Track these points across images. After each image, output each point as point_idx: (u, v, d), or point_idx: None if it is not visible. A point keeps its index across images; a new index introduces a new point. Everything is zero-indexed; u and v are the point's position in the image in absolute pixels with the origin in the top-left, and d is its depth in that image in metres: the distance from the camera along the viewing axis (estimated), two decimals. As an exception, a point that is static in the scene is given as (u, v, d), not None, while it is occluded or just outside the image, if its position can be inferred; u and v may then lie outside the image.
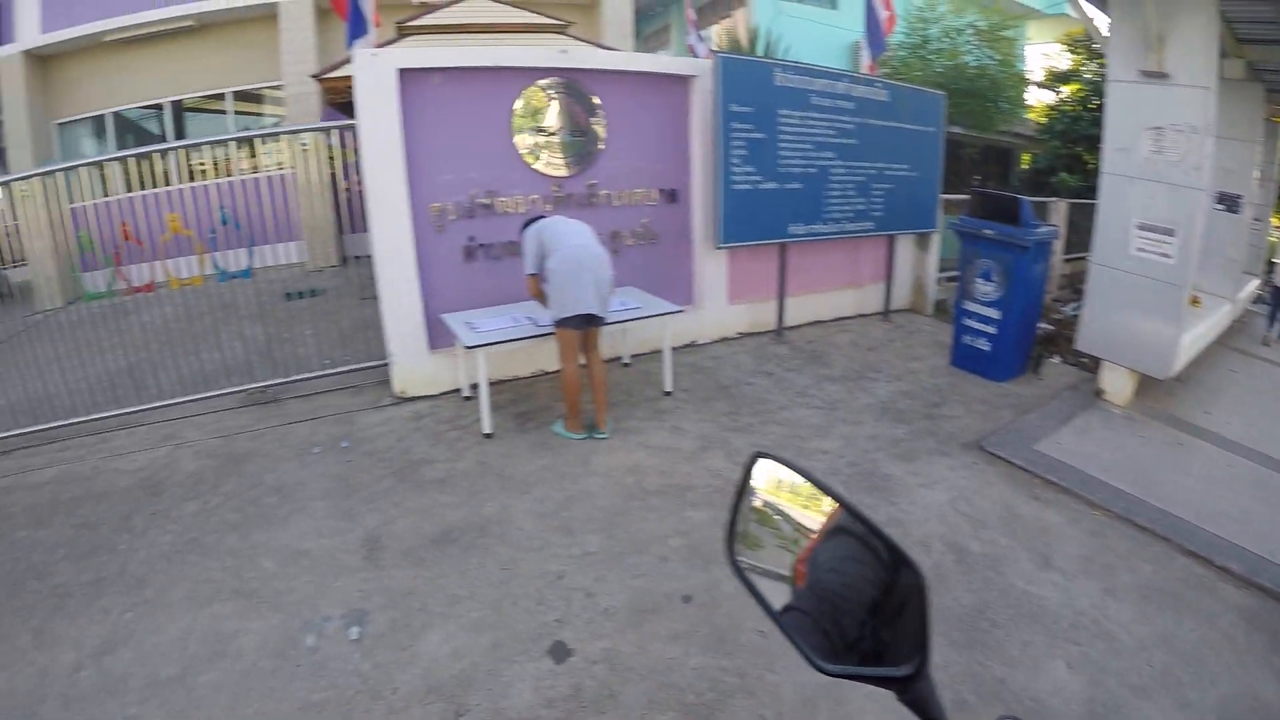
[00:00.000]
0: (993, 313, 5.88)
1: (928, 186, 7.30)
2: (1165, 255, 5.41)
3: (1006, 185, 14.84)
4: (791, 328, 6.85)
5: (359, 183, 5.21)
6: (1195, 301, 7.65)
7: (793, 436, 4.67)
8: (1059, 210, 9.33)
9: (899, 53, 13.13)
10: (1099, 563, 3.54)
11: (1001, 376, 5.91)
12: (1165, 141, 5.32)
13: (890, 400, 5.37)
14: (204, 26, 11.86)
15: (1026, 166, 16.02)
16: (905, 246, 7.56)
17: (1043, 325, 7.21)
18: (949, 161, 12.94)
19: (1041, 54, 16.53)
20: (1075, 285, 10.09)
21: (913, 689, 0.70)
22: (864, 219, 6.88)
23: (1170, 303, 5.37)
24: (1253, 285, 11.43)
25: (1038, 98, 15.19)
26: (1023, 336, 5.97)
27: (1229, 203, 9.31)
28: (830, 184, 6.63)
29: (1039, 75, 14.89)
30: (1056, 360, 6.62)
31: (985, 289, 5.91)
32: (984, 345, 5.93)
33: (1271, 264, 12.23)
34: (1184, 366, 6.01)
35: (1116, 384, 5.74)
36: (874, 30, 8.18)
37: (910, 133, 7.04)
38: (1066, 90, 13.81)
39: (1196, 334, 6.57)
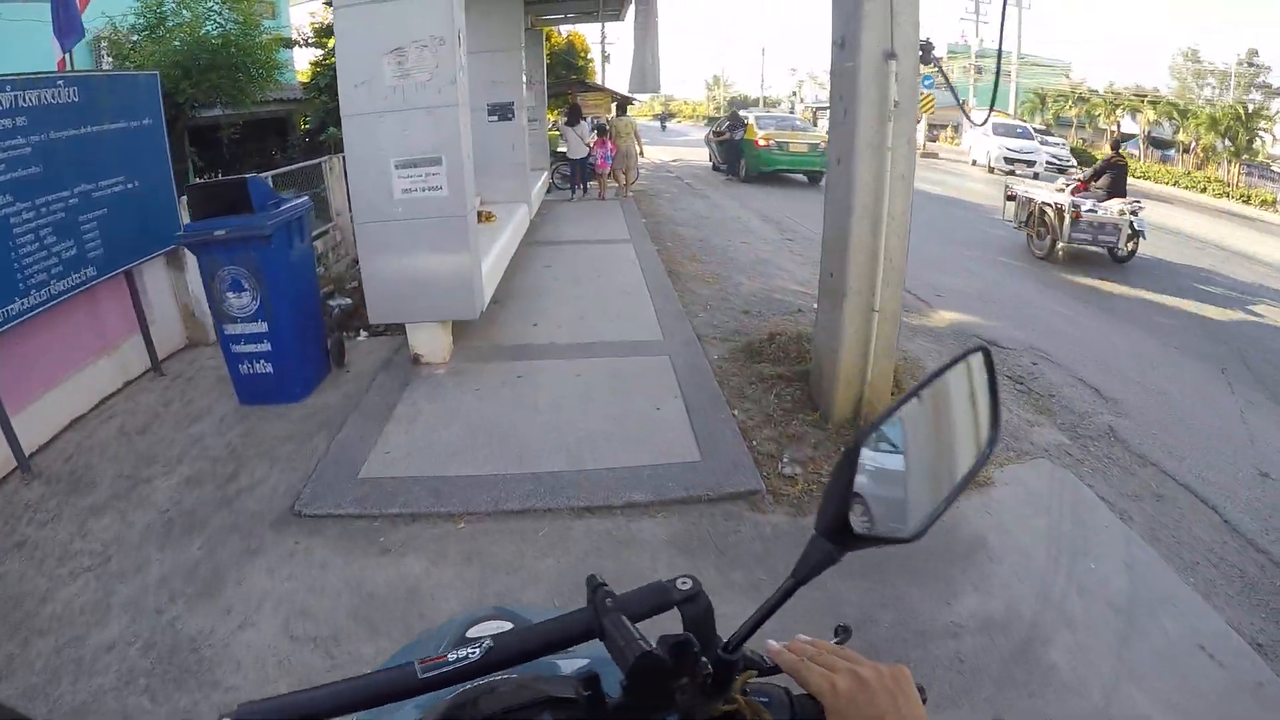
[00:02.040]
0: (259, 326, 4.65)
1: (158, 194, 5.46)
2: (436, 188, 4.81)
3: (287, 157, 13.67)
4: (43, 448, 4.53)
5: None
6: (488, 218, 7.73)
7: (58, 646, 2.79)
8: (334, 169, 8.50)
9: (132, 38, 10.53)
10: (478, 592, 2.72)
11: (300, 394, 4.83)
12: (410, 62, 4.66)
13: (188, 505, 3.77)
14: None
15: (303, 130, 15.10)
16: (155, 275, 5.71)
17: (338, 303, 6.33)
18: (209, 149, 10.84)
19: (308, 12, 15.50)
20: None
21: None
22: (81, 266, 4.73)
23: (456, 236, 4.88)
24: (544, 177, 12.94)
25: (308, 59, 14.19)
26: (308, 337, 4.97)
27: (502, 111, 9.70)
28: (14, 239, 4.28)
29: (306, 34, 13.84)
30: (363, 337, 5.81)
31: (241, 302, 4.61)
32: (265, 368, 4.71)
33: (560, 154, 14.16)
34: (494, 290, 5.78)
35: (430, 343, 5.23)
36: (64, 15, 5.77)
37: (117, 134, 5.02)
38: (331, 44, 12.97)
39: (498, 251, 6.46)
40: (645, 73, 11.73)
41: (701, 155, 22.63)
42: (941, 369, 0.83)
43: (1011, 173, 22.39)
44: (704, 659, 0.67)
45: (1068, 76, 36.45)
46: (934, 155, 29.14)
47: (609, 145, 13.73)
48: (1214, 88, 31.32)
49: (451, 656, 0.66)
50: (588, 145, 13.54)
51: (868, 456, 0.74)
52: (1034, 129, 25.61)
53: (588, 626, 0.69)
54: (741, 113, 20.85)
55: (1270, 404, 6.06)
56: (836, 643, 0.74)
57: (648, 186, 16.31)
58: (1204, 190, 24.17)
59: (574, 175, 14.05)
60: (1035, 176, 22.03)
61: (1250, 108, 25.47)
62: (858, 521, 0.71)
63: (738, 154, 18.04)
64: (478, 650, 0.67)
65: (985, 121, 9.15)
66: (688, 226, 11.10)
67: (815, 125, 24.50)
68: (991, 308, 7.89)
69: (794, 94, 64.18)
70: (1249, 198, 23.43)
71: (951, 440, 0.85)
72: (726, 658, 0.69)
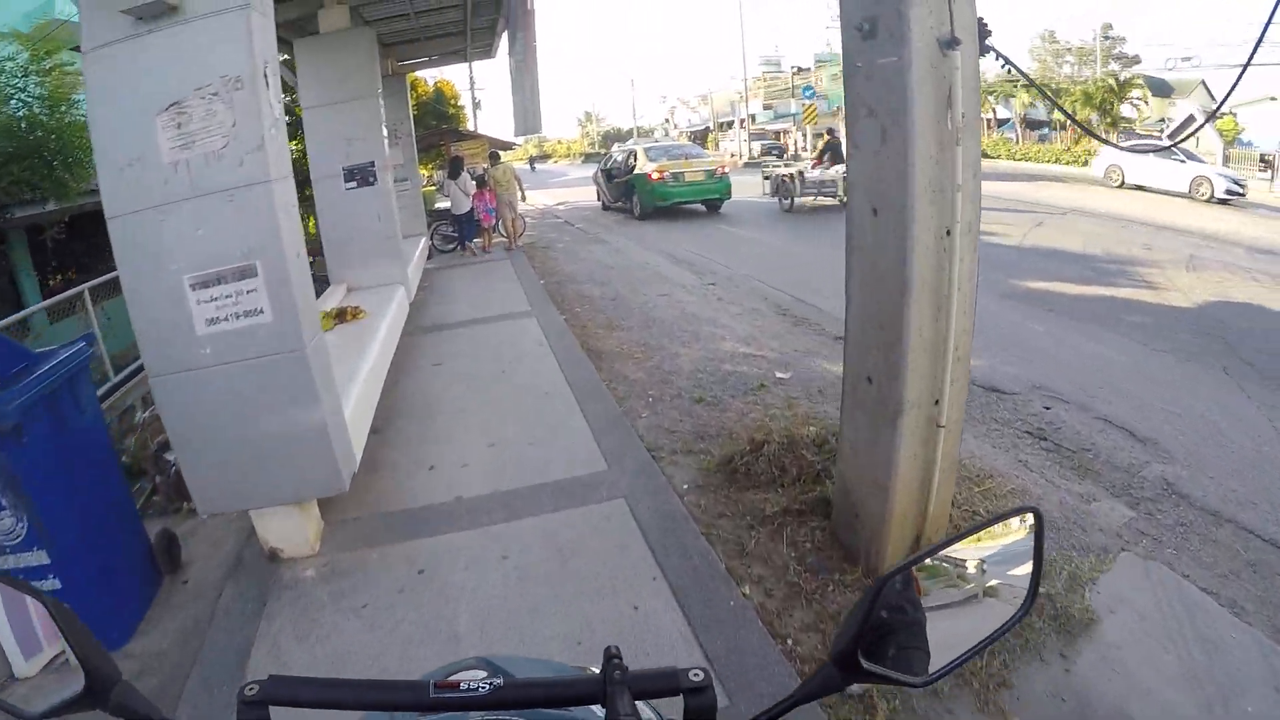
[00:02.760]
0: (36, 557, 2.95)
1: None
2: (255, 312, 3.22)
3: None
4: None
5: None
6: (355, 314, 6.12)
7: None
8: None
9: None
10: None
11: (118, 639, 3.15)
12: (195, 122, 3.12)
13: None
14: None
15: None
16: None
17: (173, 457, 4.58)
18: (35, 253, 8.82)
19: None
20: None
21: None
22: None
23: (296, 382, 3.34)
24: (422, 244, 11.38)
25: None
26: (116, 550, 3.31)
27: (361, 176, 7.90)
28: None
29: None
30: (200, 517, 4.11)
31: (4, 525, 2.87)
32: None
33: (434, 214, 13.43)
34: (368, 434, 4.23)
35: (287, 531, 3.67)
36: None
37: None
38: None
39: (370, 368, 4.89)
40: (527, 112, 10.39)
41: (588, 195, 21.42)
42: (988, 521, 0.83)
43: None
44: None
45: None
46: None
47: (489, 197, 12.96)
48: (1072, 64, 32.82)
49: (464, 685, 0.71)
50: (470, 198, 12.64)
51: (894, 594, 0.75)
52: None
53: (593, 692, 0.71)
54: (623, 146, 19.84)
55: (1288, 403, 5.49)
56: None
57: (537, 237, 14.99)
58: (1085, 164, 25.39)
59: (460, 233, 13.21)
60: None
61: (1122, 78, 26.87)
62: (870, 656, 0.72)
63: (630, 190, 16.89)
64: (488, 687, 0.71)
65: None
66: (593, 282, 9.77)
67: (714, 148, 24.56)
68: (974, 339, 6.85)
69: (667, 120, 64.36)
70: None
71: (984, 593, 0.83)
72: None
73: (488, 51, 13.32)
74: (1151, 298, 8.48)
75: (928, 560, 0.80)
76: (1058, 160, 27.00)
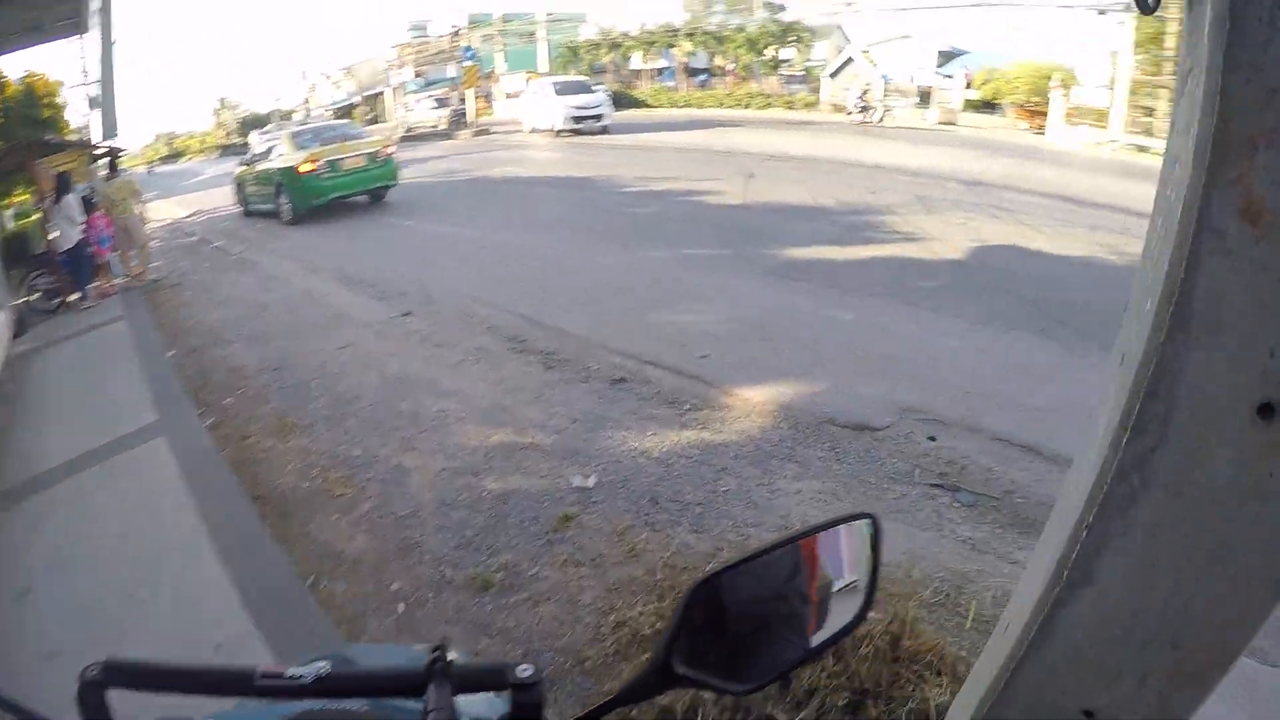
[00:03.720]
0: None
1: None
2: None
3: None
4: None
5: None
6: None
7: None
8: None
9: None
10: None
11: None
12: None
13: None
14: None
15: None
16: None
17: None
18: None
19: None
20: None
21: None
22: None
23: None
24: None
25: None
26: None
27: None
28: None
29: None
30: None
31: None
32: None
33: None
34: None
35: None
36: None
37: None
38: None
39: None
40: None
41: (227, 198, 16.72)
42: (822, 525, 0.81)
43: (579, 132, 21.04)
44: None
45: (580, 26, 36.79)
46: (486, 131, 26.77)
47: (103, 223, 9.93)
48: (721, 14, 34.17)
49: (288, 673, 0.72)
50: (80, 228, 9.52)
51: (716, 599, 0.74)
52: (592, 83, 24.49)
53: (413, 684, 0.71)
54: (265, 134, 15.69)
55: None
56: None
57: (164, 267, 11.10)
58: (748, 106, 26.67)
59: (74, 277, 9.70)
60: (604, 130, 21.13)
61: (785, 23, 28.33)
62: (686, 662, 0.72)
63: (278, 190, 13.33)
64: (310, 675, 0.71)
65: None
66: (245, 340, 6.74)
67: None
68: (788, 349, 5.31)
69: (306, 101, 57.06)
70: (792, 103, 26.50)
71: (815, 601, 0.81)
72: None
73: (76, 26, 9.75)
74: (919, 252, 7.84)
75: (753, 564, 0.76)
76: (721, 105, 27.91)
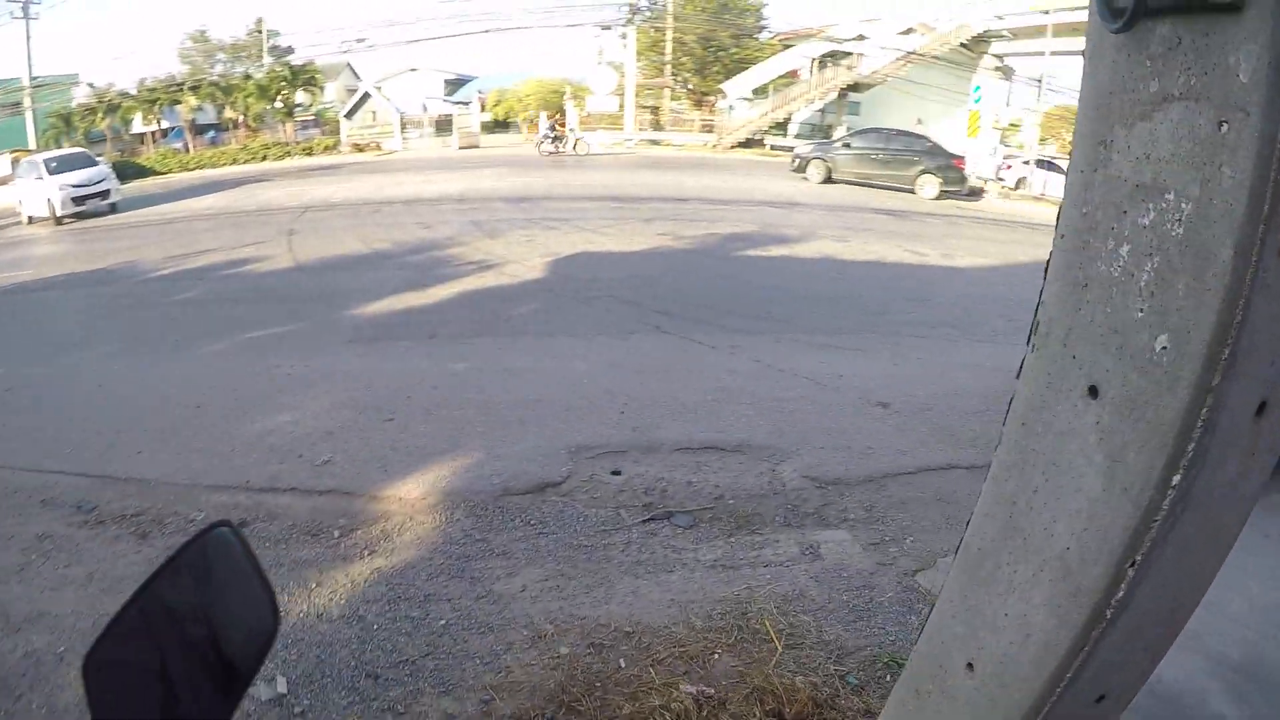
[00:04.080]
0: None
1: None
2: None
3: None
4: None
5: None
6: None
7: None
8: None
9: None
10: None
11: None
12: None
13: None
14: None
15: None
16: None
17: None
18: None
19: None
20: None
21: None
22: None
23: None
24: None
25: None
26: None
27: None
28: None
29: None
30: None
31: None
32: None
33: None
34: None
35: None
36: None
37: None
38: None
39: None
40: None
41: None
42: (171, 559, 0.74)
43: (83, 215, 17.18)
44: None
45: (74, 88, 29.93)
46: None
47: None
48: (225, 62, 30.47)
49: None
50: None
51: (115, 678, 0.70)
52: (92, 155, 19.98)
53: None
54: None
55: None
56: None
57: None
58: (264, 158, 24.50)
59: None
60: (113, 208, 17.52)
61: (296, 64, 25.90)
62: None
63: None
64: None
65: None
66: None
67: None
68: (418, 422, 4.60)
69: None
70: (311, 149, 24.85)
71: (213, 632, 0.76)
72: None
73: None
74: (500, 278, 7.63)
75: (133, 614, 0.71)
76: (236, 161, 25.21)
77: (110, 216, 17.19)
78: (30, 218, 18.60)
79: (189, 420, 4.94)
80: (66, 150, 20.94)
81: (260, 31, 31.73)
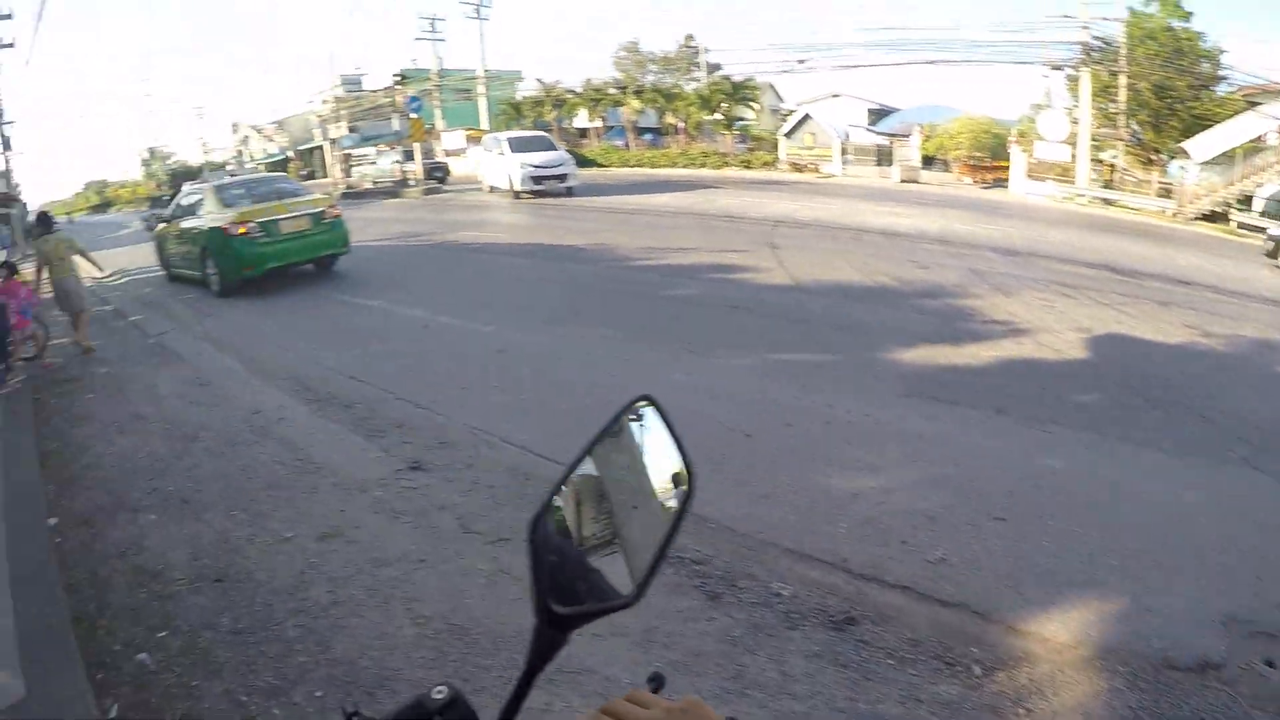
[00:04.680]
0: None
1: None
2: None
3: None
4: None
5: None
6: None
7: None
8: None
9: None
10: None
11: None
12: None
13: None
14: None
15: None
16: None
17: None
18: None
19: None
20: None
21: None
22: None
23: None
24: None
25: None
26: None
27: None
28: None
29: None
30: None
31: None
32: None
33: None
34: None
35: None
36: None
37: None
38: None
39: None
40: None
41: (149, 256, 14.06)
42: (607, 425, 0.81)
43: (540, 193, 19.22)
44: None
45: (519, 83, 35.36)
46: (436, 190, 24.74)
47: (23, 291, 8.31)
48: (655, 73, 33.48)
49: None
50: None
51: (554, 534, 0.74)
52: (552, 140, 22.65)
53: None
54: (193, 187, 13.01)
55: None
56: (651, 689, 0.73)
57: (62, 346, 8.64)
58: (703, 166, 25.95)
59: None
60: (569, 192, 19.46)
61: (736, 80, 27.43)
62: (568, 600, 0.71)
63: (203, 254, 10.97)
64: None
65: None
66: (163, 507, 4.42)
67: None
68: (1050, 528, 3.59)
69: (239, 152, 53.84)
70: (749, 162, 25.74)
71: (644, 493, 0.81)
72: None
73: None
74: (1037, 350, 6.38)
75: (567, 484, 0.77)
76: (674, 164, 27.08)
77: (565, 199, 18.89)
78: (491, 187, 21.56)
79: (739, 450, 4.47)
80: (529, 132, 23.63)
81: (690, 46, 33.84)
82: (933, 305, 7.74)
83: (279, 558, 3.80)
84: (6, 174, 27.14)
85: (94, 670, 3.12)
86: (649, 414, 0.82)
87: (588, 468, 0.78)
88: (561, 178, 19.41)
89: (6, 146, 26.34)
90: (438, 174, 27.51)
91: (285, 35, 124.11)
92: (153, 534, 4.08)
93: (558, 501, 0.75)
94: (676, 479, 0.80)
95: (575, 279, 9.65)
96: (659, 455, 0.80)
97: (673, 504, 0.78)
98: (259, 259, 10.30)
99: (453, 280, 10.43)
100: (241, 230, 10.20)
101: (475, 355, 6.75)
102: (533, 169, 19.07)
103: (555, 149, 20.79)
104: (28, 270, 9.12)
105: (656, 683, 0.75)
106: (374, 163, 28.76)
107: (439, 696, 0.70)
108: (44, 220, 9.35)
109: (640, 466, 0.80)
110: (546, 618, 0.69)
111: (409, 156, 26.30)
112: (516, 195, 19.42)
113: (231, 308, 9.76)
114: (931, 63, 27.10)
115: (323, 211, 11.11)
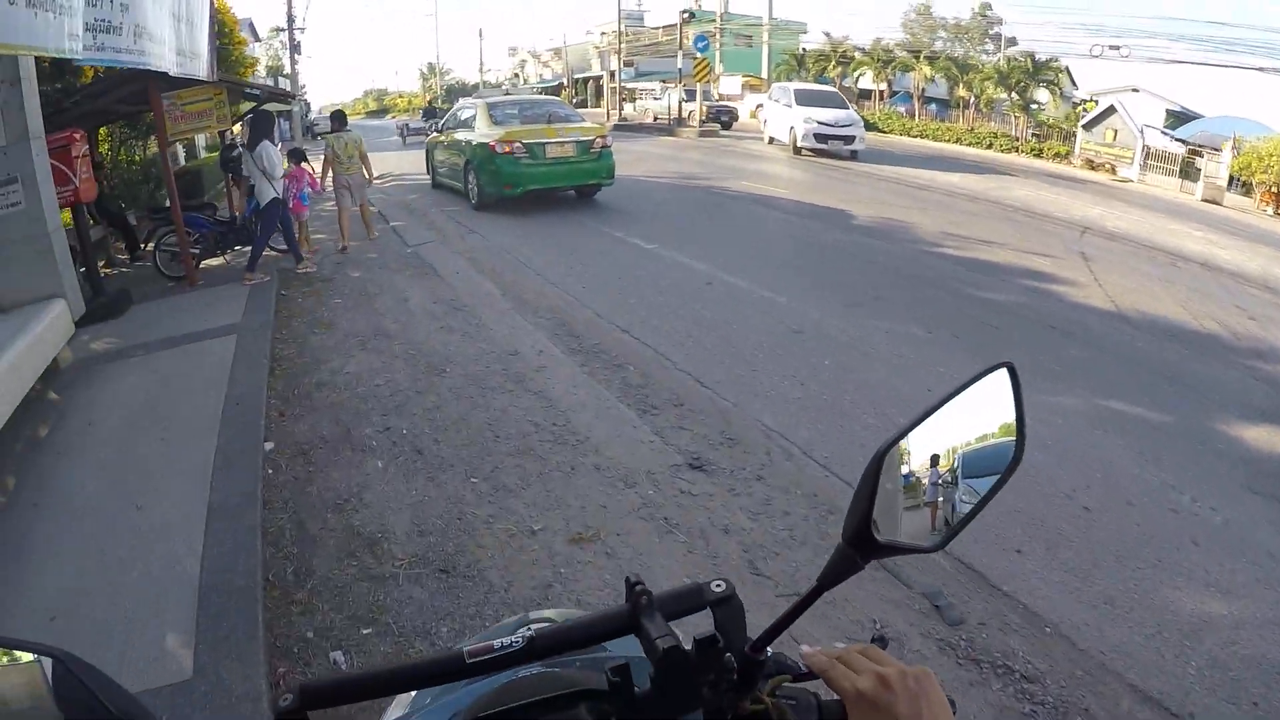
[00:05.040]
0: None
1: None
2: None
3: None
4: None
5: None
6: None
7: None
8: None
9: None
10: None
11: None
12: None
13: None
14: None
15: None
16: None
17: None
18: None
19: None
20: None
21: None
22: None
23: None
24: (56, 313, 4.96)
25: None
26: None
27: None
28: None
29: None
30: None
31: None
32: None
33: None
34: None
35: None
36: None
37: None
38: None
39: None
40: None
41: (416, 162, 14.49)
42: (967, 382, 0.77)
43: (822, 152, 17.53)
44: (730, 657, 0.67)
45: (803, 34, 33.31)
46: (712, 132, 23.70)
47: (307, 177, 8.61)
48: (945, 40, 30.12)
49: (497, 644, 0.69)
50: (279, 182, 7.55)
51: (893, 467, 0.74)
52: (842, 97, 20.72)
53: (625, 622, 0.70)
54: (467, 102, 13.19)
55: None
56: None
57: (325, 247, 8.78)
58: (989, 146, 22.93)
59: (259, 237, 7.54)
60: (854, 155, 17.58)
61: (1038, 59, 23.84)
62: (881, 530, 0.70)
63: (466, 166, 10.84)
64: (520, 640, 0.69)
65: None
66: (394, 454, 3.76)
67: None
68: None
69: (516, 75, 56.76)
70: (1040, 151, 22.31)
71: (964, 462, 0.79)
72: (753, 658, 0.69)
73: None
74: None
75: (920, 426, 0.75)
76: (959, 141, 24.07)
77: (849, 162, 17.03)
78: (771, 139, 20.13)
79: (1078, 529, 3.27)
80: (819, 86, 21.52)
81: (985, 16, 29.80)
82: (1268, 371, 5.55)
83: (521, 556, 2.89)
84: (293, 75, 29.63)
85: (275, 658, 2.37)
86: (1003, 379, 0.77)
87: (940, 418, 0.74)
88: (848, 139, 17.58)
89: (297, 50, 28.63)
90: (725, 118, 26.35)
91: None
92: (376, 486, 3.36)
93: (904, 443, 0.73)
94: (1003, 445, 0.77)
95: (871, 255, 8.10)
96: (996, 419, 0.77)
97: (998, 468, 0.76)
98: (519, 179, 9.96)
99: (736, 232, 9.28)
100: (506, 149, 9.91)
101: (768, 331, 5.55)
102: (818, 125, 17.41)
103: (846, 107, 18.97)
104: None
105: (881, 643, 0.71)
106: (657, 98, 28.19)
107: (718, 590, 0.70)
108: (339, 118, 9.47)
109: (979, 427, 0.78)
110: (857, 541, 0.68)
111: (691, 96, 25.45)
112: (797, 150, 17.94)
113: (493, 225, 9.34)
114: (1261, 70, 21.72)
115: (592, 140, 10.53)
